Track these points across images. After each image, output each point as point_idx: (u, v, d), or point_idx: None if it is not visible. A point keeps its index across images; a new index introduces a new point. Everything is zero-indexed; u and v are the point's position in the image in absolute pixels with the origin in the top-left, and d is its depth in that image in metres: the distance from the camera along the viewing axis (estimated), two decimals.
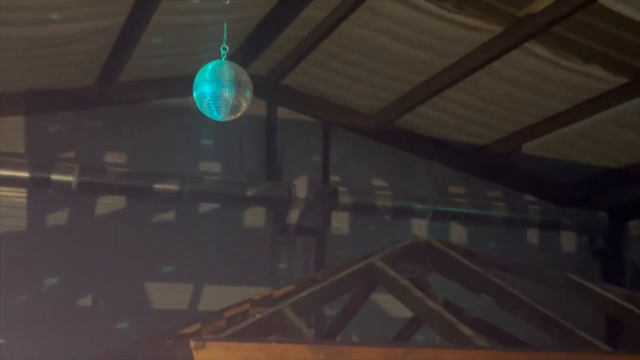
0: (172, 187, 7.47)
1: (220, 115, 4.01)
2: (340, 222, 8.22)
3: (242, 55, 7.07)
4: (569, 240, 8.90)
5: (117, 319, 7.30)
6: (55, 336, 7.05)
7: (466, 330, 3.69)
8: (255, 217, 8.00)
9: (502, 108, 7.46)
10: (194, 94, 4.13)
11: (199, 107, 4.07)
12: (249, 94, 4.03)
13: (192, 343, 3.11)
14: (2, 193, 7.13)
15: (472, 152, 8.48)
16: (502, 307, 4.45)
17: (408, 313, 4.95)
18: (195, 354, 3.11)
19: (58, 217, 7.37)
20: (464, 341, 3.60)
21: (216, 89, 3.92)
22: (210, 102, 3.96)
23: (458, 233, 8.51)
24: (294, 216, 7.96)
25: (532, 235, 8.82)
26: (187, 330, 4.51)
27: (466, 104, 7.49)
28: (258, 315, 4.07)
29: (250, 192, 7.76)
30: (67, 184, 7.13)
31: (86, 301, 7.34)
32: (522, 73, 6.73)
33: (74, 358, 6.84)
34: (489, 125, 7.89)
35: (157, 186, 7.44)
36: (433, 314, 3.98)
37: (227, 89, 3.92)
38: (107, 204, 7.52)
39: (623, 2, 5.42)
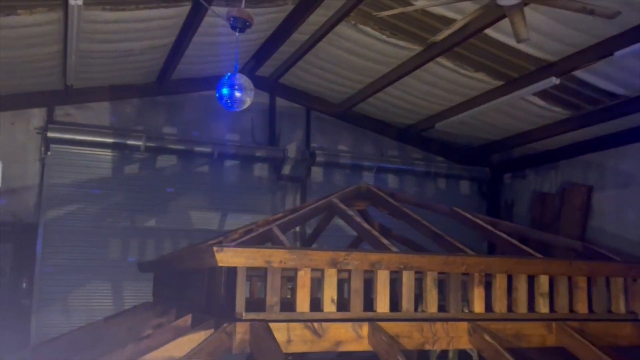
0: (207, 149, 7.54)
1: (233, 108, 4.13)
2: (316, 174, 8.25)
3: (253, 63, 7.18)
4: (465, 187, 8.94)
5: (173, 235, 7.37)
6: (130, 243, 7.22)
7: (385, 242, 3.80)
8: (261, 170, 8.00)
9: (422, 100, 7.52)
10: (217, 94, 4.25)
11: (220, 102, 4.20)
12: (251, 94, 4.16)
13: (215, 249, 3.28)
14: (95, 153, 7.19)
15: (404, 128, 8.53)
16: (413, 226, 4.56)
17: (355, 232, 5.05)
18: (217, 255, 3.27)
19: (131, 169, 7.40)
20: (384, 248, 3.69)
21: (230, 92, 4.04)
22: (227, 99, 4.09)
23: (392, 182, 8.53)
24: (286, 170, 7.93)
25: (441, 183, 8.84)
26: (214, 241, 4.44)
27: (399, 97, 7.55)
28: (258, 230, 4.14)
29: (258, 154, 7.84)
30: (138, 147, 7.20)
31: (151, 223, 7.36)
32: (436, 77, 6.80)
33: (147, 255, 7.09)
34: (414, 111, 7.94)
35: (197, 149, 7.53)
36: (366, 232, 4.06)
37: (237, 91, 4.05)
38: (164, 160, 7.53)
39: (500, 32, 5.55)
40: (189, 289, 4.37)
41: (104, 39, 5.79)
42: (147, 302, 5.59)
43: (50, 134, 6.87)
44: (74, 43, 5.48)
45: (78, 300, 6.89)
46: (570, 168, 7.69)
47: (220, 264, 3.23)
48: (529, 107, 6.95)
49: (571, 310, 3.90)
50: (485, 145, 8.51)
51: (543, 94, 6.56)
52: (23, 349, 6.22)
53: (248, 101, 4.04)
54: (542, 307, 3.83)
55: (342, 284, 4.03)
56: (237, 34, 4.07)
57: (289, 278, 4.42)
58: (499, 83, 6.61)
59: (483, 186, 8.90)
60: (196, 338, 3.35)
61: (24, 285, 6.80)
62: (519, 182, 8.54)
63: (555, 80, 6.00)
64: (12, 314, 6.55)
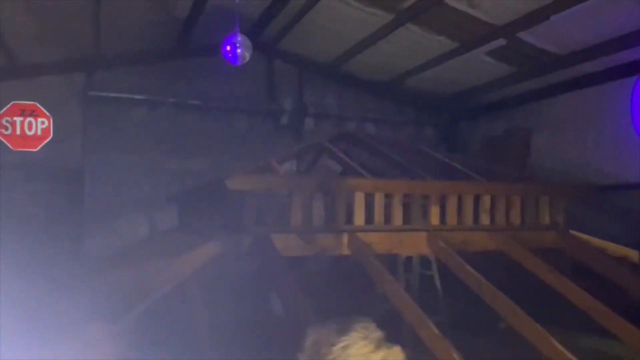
0: (220, 105, 7.54)
1: (236, 62, 4.14)
2: (308, 123, 8.19)
3: (253, 29, 7.08)
4: (429, 133, 8.92)
5: (195, 175, 7.19)
6: (160, 182, 7.22)
7: (362, 171, 3.98)
8: (264, 121, 7.98)
9: (395, 60, 7.39)
10: (222, 51, 4.25)
11: (225, 57, 4.18)
12: (250, 50, 4.17)
13: (226, 177, 3.42)
14: (128, 109, 7.15)
15: (381, 84, 8.39)
16: (385, 160, 4.67)
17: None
18: (228, 182, 3.41)
19: (159, 123, 7.37)
20: (361, 176, 3.88)
21: (233, 48, 4.06)
22: (231, 55, 4.11)
23: (371, 129, 8.46)
24: (284, 121, 7.92)
25: (410, 129, 8.80)
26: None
27: (377, 58, 7.39)
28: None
29: (260, 107, 7.83)
30: (164, 103, 7.20)
31: (177, 166, 7.35)
32: (405, 41, 6.68)
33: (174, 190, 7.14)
34: (388, 70, 7.85)
35: (211, 104, 7.53)
36: (347, 163, 4.22)
37: (239, 49, 4.07)
38: (186, 115, 7.50)
39: (458, 2, 5.53)
40: (207, 213, 4.52)
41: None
42: (173, 227, 5.75)
43: (90, 93, 6.87)
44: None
45: (120, 229, 7.03)
46: (513, 115, 7.77)
47: (231, 188, 3.37)
48: (481, 64, 6.90)
49: (507, 222, 4.08)
50: (446, 97, 8.46)
51: (493, 53, 6.52)
52: (78, 270, 6.37)
53: (247, 56, 4.06)
54: (485, 220, 4.01)
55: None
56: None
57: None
58: (456, 45, 6.56)
59: (444, 131, 8.91)
60: (212, 247, 3.52)
61: (76, 218, 6.91)
62: (472, 128, 8.57)
63: (502, 42, 6.00)
64: (67, 243, 6.68)
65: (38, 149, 6.40)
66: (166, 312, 3.19)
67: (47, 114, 6.23)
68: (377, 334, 1.31)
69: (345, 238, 3.59)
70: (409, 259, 4.39)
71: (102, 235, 6.89)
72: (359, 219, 3.68)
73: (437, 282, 4.46)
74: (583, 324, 3.57)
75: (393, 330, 4.48)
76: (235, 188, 3.37)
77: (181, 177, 7.30)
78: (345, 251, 3.60)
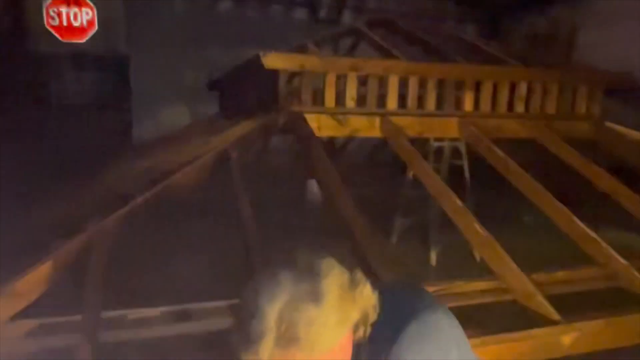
0: None
1: None
2: (346, 16, 7.69)
3: None
4: (469, 28, 8.23)
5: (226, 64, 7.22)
6: (201, 69, 6.95)
7: (397, 53, 3.82)
8: (301, 12, 7.58)
9: None
10: None
11: None
12: None
13: (260, 54, 3.28)
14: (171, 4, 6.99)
15: None
16: (419, 46, 4.44)
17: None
18: (263, 60, 3.32)
19: (200, 16, 7.11)
20: (396, 58, 3.75)
21: None
22: None
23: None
24: (322, 12, 7.58)
25: (450, 25, 8.06)
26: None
27: None
28: None
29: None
30: None
31: (217, 54, 6.93)
32: None
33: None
34: None
35: None
36: (382, 46, 4.03)
37: None
38: (220, 5, 7.25)
39: None
40: (243, 96, 4.50)
41: None
42: (216, 112, 5.80)
43: None
44: None
45: (165, 118, 7.14)
46: (559, 10, 7.18)
47: (266, 67, 3.31)
48: None
49: (542, 111, 3.91)
50: None
51: None
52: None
53: None
54: (519, 107, 3.85)
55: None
56: None
57: None
58: None
59: (485, 28, 8.29)
60: (249, 124, 3.54)
61: (125, 107, 7.01)
62: (515, 24, 7.96)
63: None
64: (117, 131, 6.83)
65: (85, 40, 6.46)
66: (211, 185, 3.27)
67: (91, 3, 6.16)
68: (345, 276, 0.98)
69: (377, 121, 3.53)
70: (439, 149, 4.32)
71: (148, 124, 7.03)
72: (392, 102, 3.59)
73: (466, 173, 4.41)
74: (608, 218, 3.51)
75: (419, 216, 4.52)
76: (270, 66, 3.31)
77: (220, 68, 7.16)
78: (377, 133, 3.56)
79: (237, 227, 2.48)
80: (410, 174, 4.36)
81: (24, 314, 2.03)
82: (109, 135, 6.64)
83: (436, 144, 4.35)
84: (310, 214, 6.21)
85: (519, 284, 2.37)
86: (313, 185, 6.16)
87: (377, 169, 6.57)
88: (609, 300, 2.52)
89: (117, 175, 3.51)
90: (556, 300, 2.29)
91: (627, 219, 3.19)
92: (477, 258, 4.13)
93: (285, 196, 6.52)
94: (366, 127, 3.53)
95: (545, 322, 2.17)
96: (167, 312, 2.20)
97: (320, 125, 3.44)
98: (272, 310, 0.91)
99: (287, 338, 0.90)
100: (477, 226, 2.66)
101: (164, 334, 2.12)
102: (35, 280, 2.09)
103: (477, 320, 2.50)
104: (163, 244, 4.27)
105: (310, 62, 3.36)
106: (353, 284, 0.97)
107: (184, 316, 2.22)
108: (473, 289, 2.69)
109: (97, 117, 6.69)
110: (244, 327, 0.92)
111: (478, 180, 4.53)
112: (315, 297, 0.92)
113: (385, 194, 5.31)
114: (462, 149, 4.39)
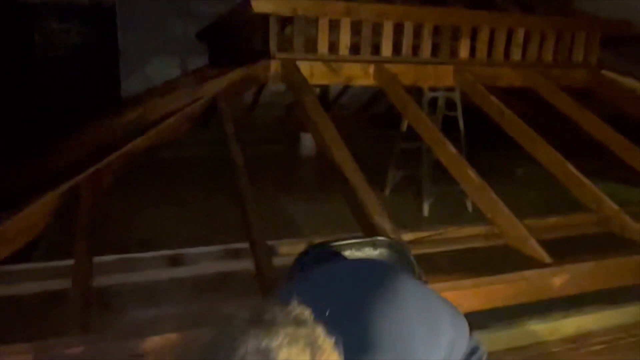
0: None
1: None
2: None
3: None
4: None
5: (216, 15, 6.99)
6: (190, 22, 6.78)
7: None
8: None
9: None
10: None
11: None
12: None
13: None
14: None
15: None
16: None
17: None
18: (252, 3, 3.18)
19: None
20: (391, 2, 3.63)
21: None
22: None
23: None
24: None
25: None
26: None
27: None
28: None
29: None
30: None
31: (207, 7, 6.63)
32: None
33: None
34: None
35: None
36: None
37: None
38: None
39: None
40: (234, 44, 4.35)
41: None
42: (205, 64, 5.64)
43: None
44: None
45: (153, 72, 6.93)
46: None
47: (255, 11, 3.17)
48: None
49: (538, 59, 3.83)
50: None
51: None
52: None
53: None
54: (516, 55, 3.76)
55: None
56: None
57: None
58: None
59: None
60: (238, 73, 3.42)
61: (111, 61, 6.81)
62: None
63: None
64: (103, 85, 6.66)
65: None
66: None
67: None
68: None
69: (371, 68, 3.43)
70: (434, 99, 4.23)
71: (136, 78, 6.85)
72: (387, 49, 3.48)
73: (461, 124, 4.35)
74: (602, 171, 3.49)
75: (412, 168, 4.47)
76: (260, 10, 3.17)
77: (210, 17, 6.91)
78: (371, 81, 3.47)
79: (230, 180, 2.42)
80: (404, 127, 4.30)
81: (13, 258, 2.00)
82: (96, 88, 6.47)
83: (430, 94, 4.26)
84: (304, 167, 6.20)
85: (512, 228, 2.37)
86: (306, 139, 6.11)
87: (371, 121, 6.51)
88: (601, 245, 2.53)
89: (105, 126, 3.41)
90: (548, 245, 2.30)
91: (622, 172, 3.19)
92: (470, 208, 4.13)
93: (278, 151, 6.46)
94: (360, 74, 3.44)
95: (537, 264, 2.18)
96: (159, 256, 2.18)
97: (313, 72, 3.35)
98: None
99: None
100: (471, 172, 2.64)
101: (157, 278, 2.10)
102: (23, 225, 2.05)
103: (469, 264, 2.53)
104: (154, 195, 4.24)
105: (302, 5, 3.21)
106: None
107: (176, 261, 2.20)
108: (465, 234, 2.69)
109: (83, 69, 6.51)
110: None
111: (472, 135, 4.48)
112: None
113: (378, 147, 5.26)
114: (457, 100, 4.31)
